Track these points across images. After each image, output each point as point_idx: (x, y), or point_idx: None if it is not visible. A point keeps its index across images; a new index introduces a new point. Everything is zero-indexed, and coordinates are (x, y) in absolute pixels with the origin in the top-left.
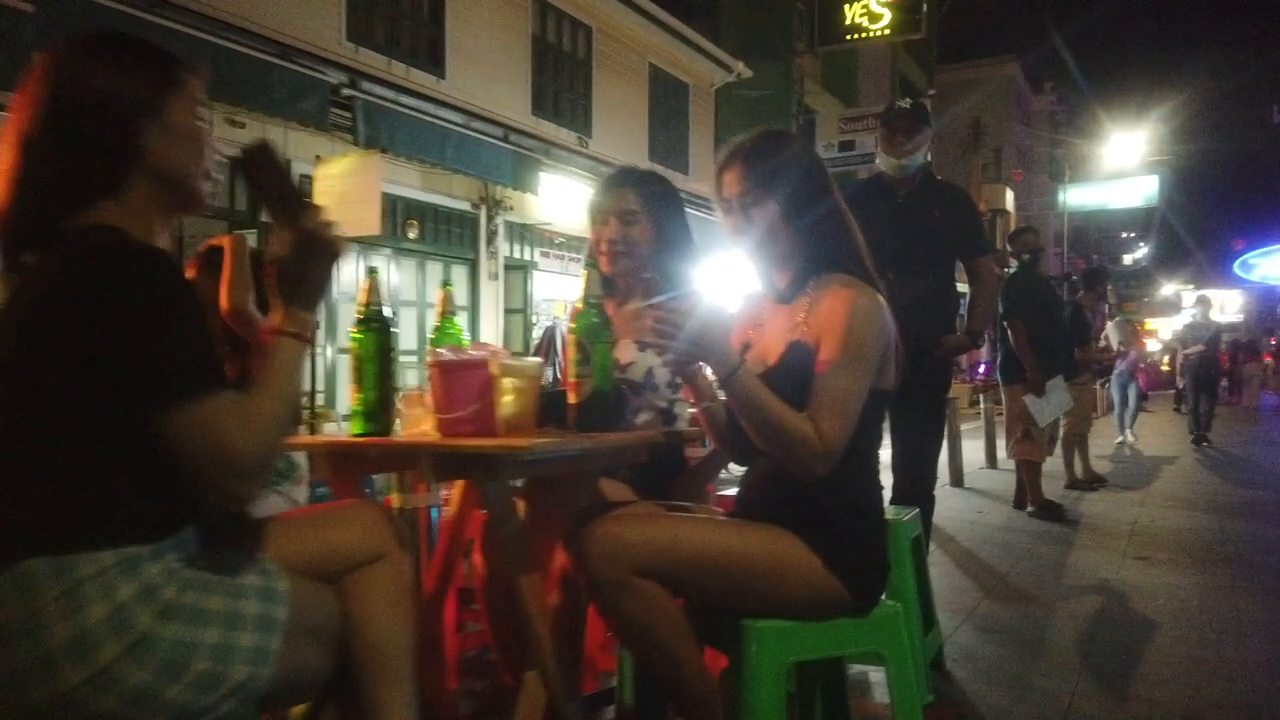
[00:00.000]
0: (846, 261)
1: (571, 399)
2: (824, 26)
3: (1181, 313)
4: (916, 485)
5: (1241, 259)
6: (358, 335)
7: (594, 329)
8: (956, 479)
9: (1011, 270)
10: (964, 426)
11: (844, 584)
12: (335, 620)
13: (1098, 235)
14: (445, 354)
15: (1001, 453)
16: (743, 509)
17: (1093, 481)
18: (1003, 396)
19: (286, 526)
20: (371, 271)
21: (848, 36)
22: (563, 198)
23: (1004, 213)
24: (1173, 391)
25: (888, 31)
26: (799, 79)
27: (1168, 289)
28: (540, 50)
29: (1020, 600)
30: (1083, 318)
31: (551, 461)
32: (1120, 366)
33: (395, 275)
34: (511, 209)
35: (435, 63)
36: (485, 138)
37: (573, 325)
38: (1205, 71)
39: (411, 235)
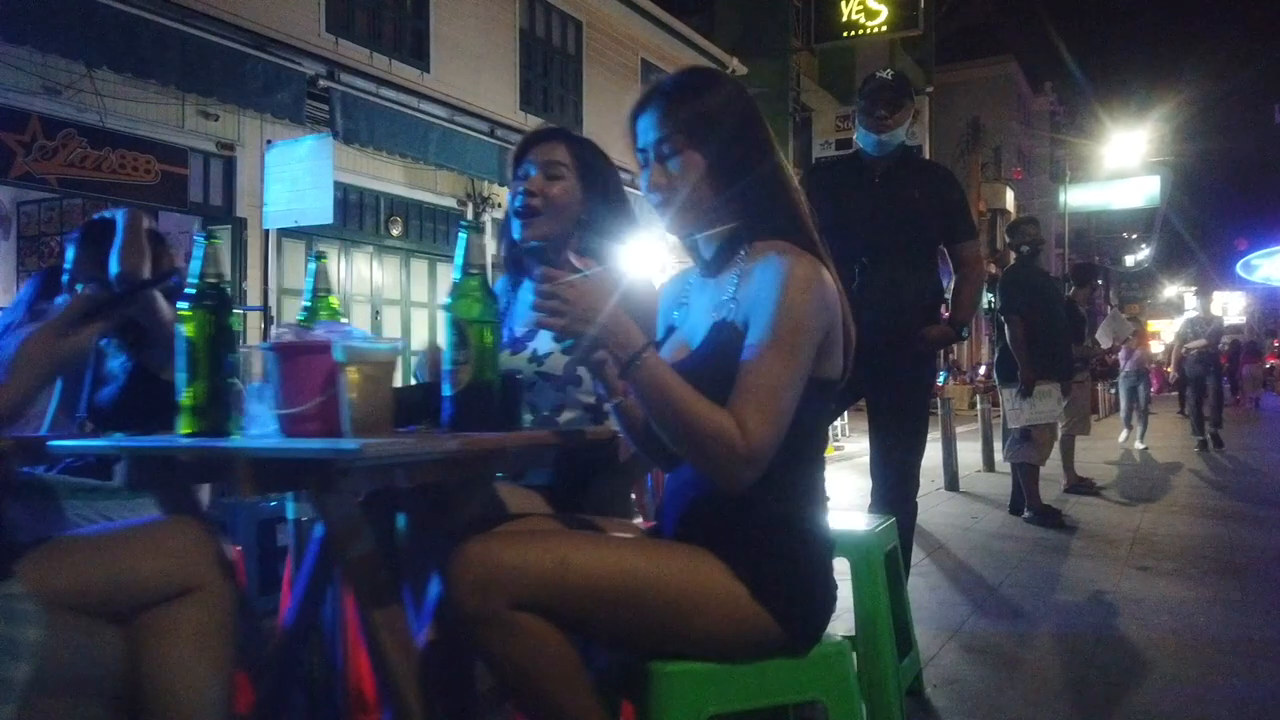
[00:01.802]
0: (786, 226)
1: (447, 391)
2: (820, 23)
3: (1184, 314)
4: (895, 491)
5: (1244, 259)
6: (186, 314)
7: (473, 306)
8: (952, 483)
9: (1010, 263)
10: (962, 429)
11: (775, 616)
12: (112, 671)
13: (1099, 236)
14: (286, 334)
15: (999, 455)
16: (661, 525)
17: (1080, 486)
18: (999, 397)
19: (70, 551)
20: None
21: (844, 33)
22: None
23: (1004, 212)
24: (1176, 394)
25: (884, 28)
26: (795, 76)
27: (1170, 290)
28: (528, 44)
29: (1011, 616)
30: (1077, 313)
31: (403, 467)
32: (1127, 367)
33: (379, 274)
34: (499, 206)
35: (419, 56)
36: (471, 133)
37: (448, 301)
38: (1207, 70)
39: (395, 233)
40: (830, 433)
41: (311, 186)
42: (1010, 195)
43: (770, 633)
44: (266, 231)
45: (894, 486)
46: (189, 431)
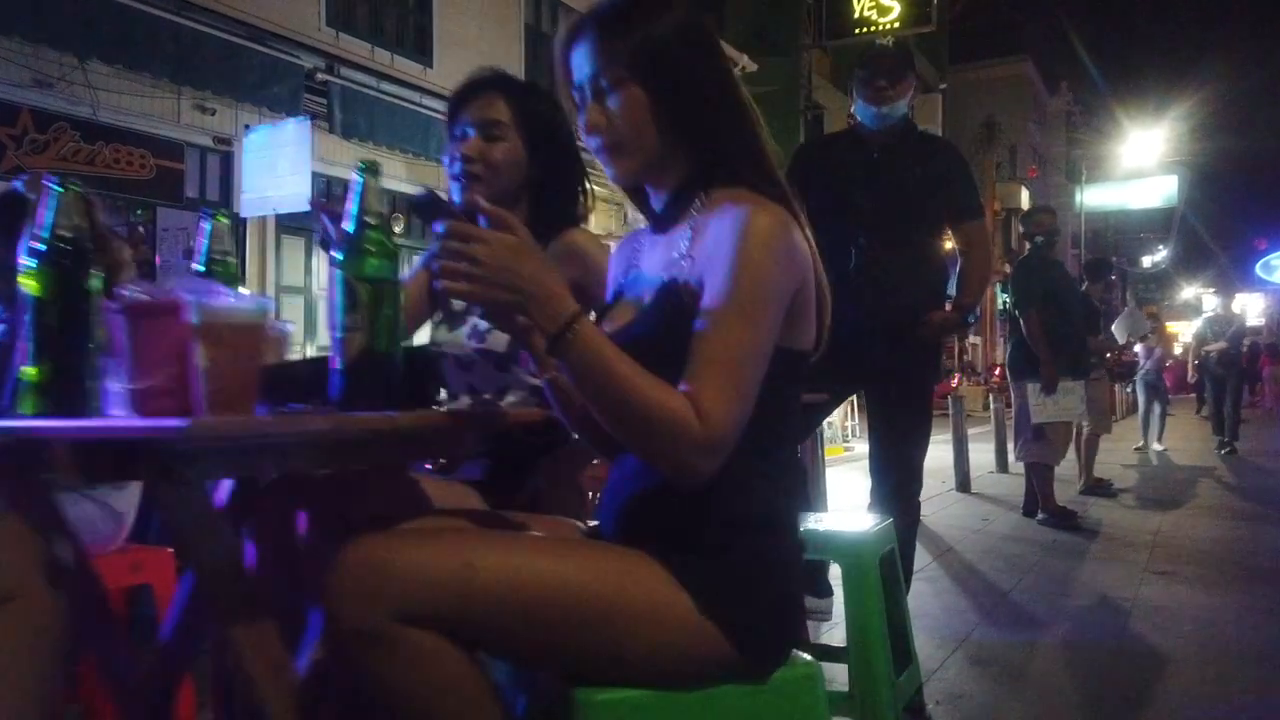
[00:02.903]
0: (749, 172)
1: (336, 364)
2: (832, 20)
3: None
4: (896, 491)
5: (1263, 260)
6: (31, 274)
7: (368, 262)
8: (963, 484)
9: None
10: (975, 430)
11: (726, 633)
12: None
13: (1116, 237)
14: (132, 293)
15: (1012, 455)
16: (600, 525)
17: (1097, 488)
18: (1012, 394)
19: None
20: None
21: (856, 30)
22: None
23: (1018, 212)
24: (1195, 395)
25: (897, 25)
26: (807, 74)
27: (1188, 292)
28: (533, 40)
29: (1022, 624)
30: (1093, 307)
31: (273, 453)
32: (1145, 365)
33: None
34: None
35: (422, 51)
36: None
37: (337, 256)
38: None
39: (397, 230)
40: (842, 433)
41: (290, 173)
42: (1025, 195)
43: (721, 653)
44: (264, 228)
45: (895, 486)
46: (29, 412)
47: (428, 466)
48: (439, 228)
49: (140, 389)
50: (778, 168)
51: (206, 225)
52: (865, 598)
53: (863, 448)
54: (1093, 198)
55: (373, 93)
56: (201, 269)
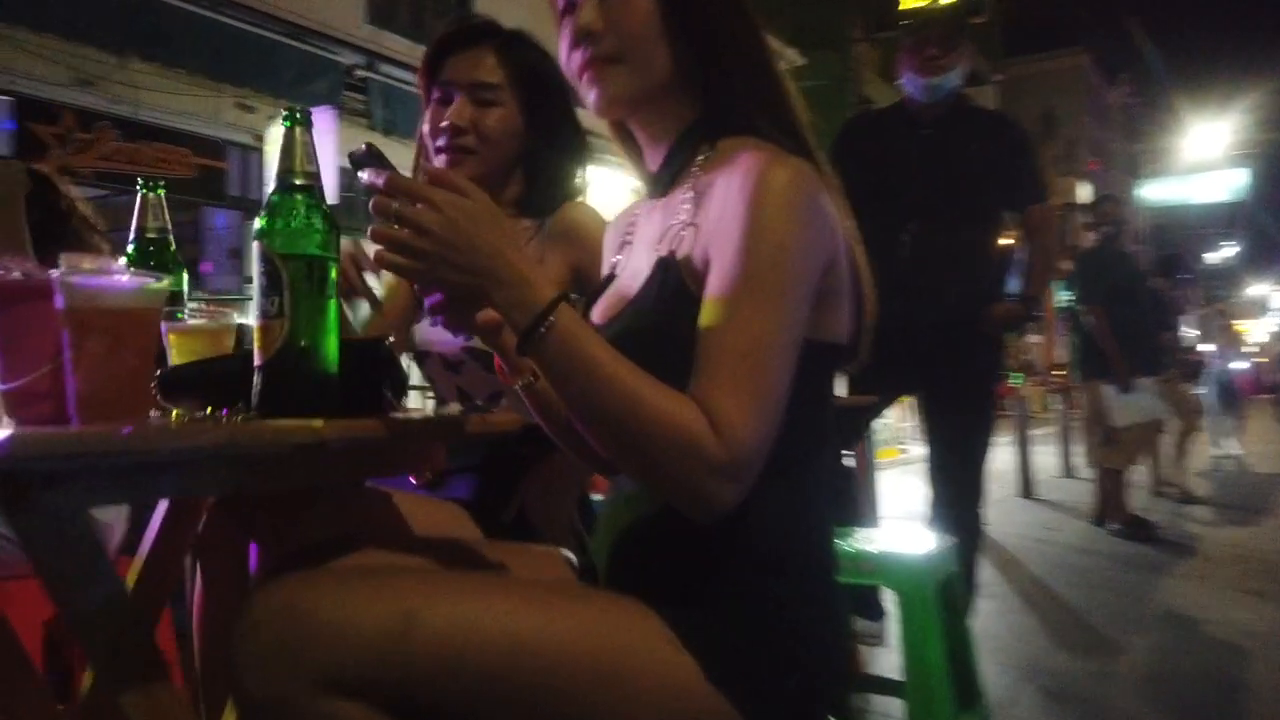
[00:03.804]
0: (764, 117)
1: (256, 358)
2: (882, 12)
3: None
4: (955, 504)
5: None
6: None
7: (295, 234)
8: (1026, 489)
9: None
10: (1037, 431)
11: (741, 709)
12: None
13: (1180, 232)
14: (10, 271)
15: (1078, 459)
16: (594, 558)
17: (1171, 493)
18: (1083, 395)
19: None
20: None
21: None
22: (608, 190)
23: (1077, 207)
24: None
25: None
26: (856, 68)
27: (1256, 289)
28: None
29: (1098, 651)
30: (1163, 302)
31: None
32: (1215, 365)
33: None
34: None
35: None
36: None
37: (258, 225)
38: None
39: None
40: (896, 434)
41: None
42: (1084, 189)
43: None
44: None
45: (954, 498)
46: None
47: (413, 482)
48: (368, 177)
49: (12, 391)
50: (804, 122)
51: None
52: (924, 630)
53: (920, 449)
54: (1155, 192)
55: (413, 89)
56: (131, 251)
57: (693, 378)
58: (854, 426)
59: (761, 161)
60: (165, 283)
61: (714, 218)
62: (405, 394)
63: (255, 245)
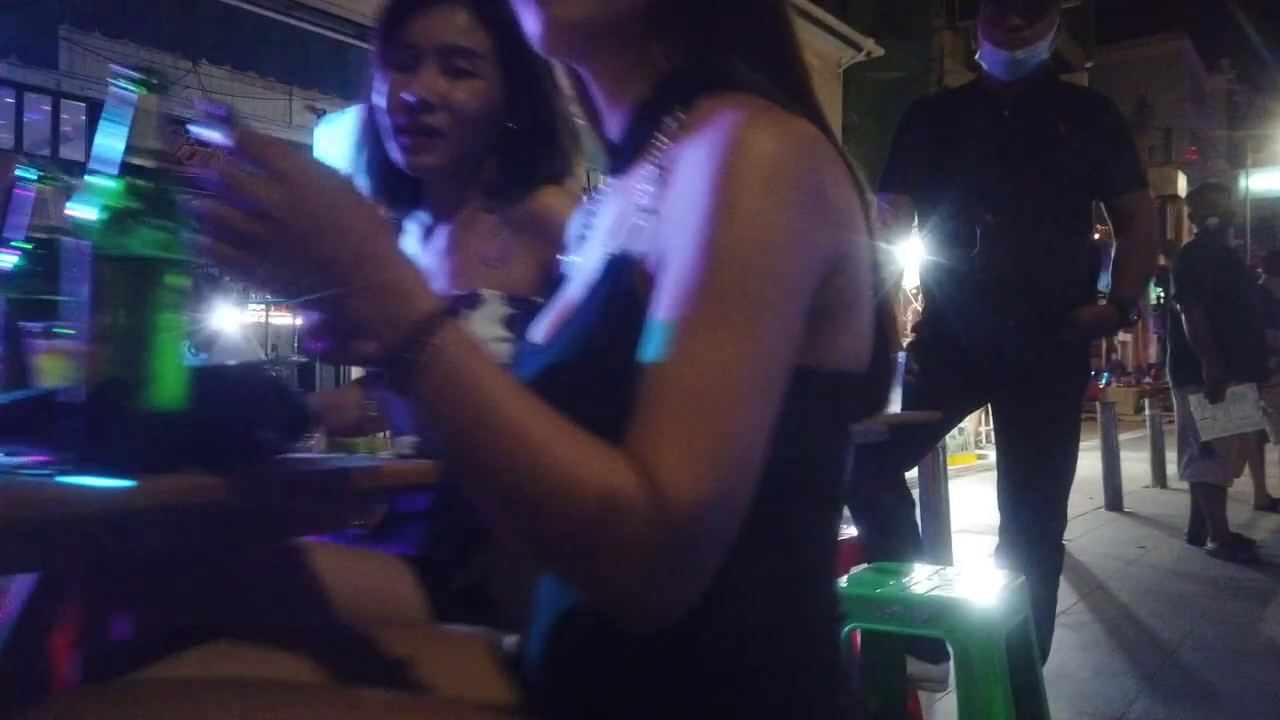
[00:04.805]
0: (757, 68)
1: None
2: None
3: None
4: (1029, 533)
5: None
6: None
7: (126, 229)
8: (1114, 502)
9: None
10: (1127, 436)
11: None
12: None
13: None
14: None
15: (1172, 468)
16: (529, 650)
17: (1276, 506)
18: (1174, 401)
19: None
20: None
21: None
22: None
23: (1175, 198)
24: None
25: None
26: (938, 57)
27: None
28: None
29: (1197, 695)
30: (1273, 301)
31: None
32: None
33: None
34: None
35: None
36: (583, 123)
37: (82, 215)
38: None
39: None
40: (974, 439)
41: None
42: (1182, 180)
43: None
44: None
45: (1029, 526)
46: None
47: (355, 528)
48: (215, 138)
49: None
50: (809, 76)
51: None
52: (985, 689)
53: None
54: (1260, 183)
55: None
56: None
57: (629, 426)
58: (913, 449)
59: (739, 121)
60: None
61: (676, 203)
62: (304, 432)
63: (78, 245)
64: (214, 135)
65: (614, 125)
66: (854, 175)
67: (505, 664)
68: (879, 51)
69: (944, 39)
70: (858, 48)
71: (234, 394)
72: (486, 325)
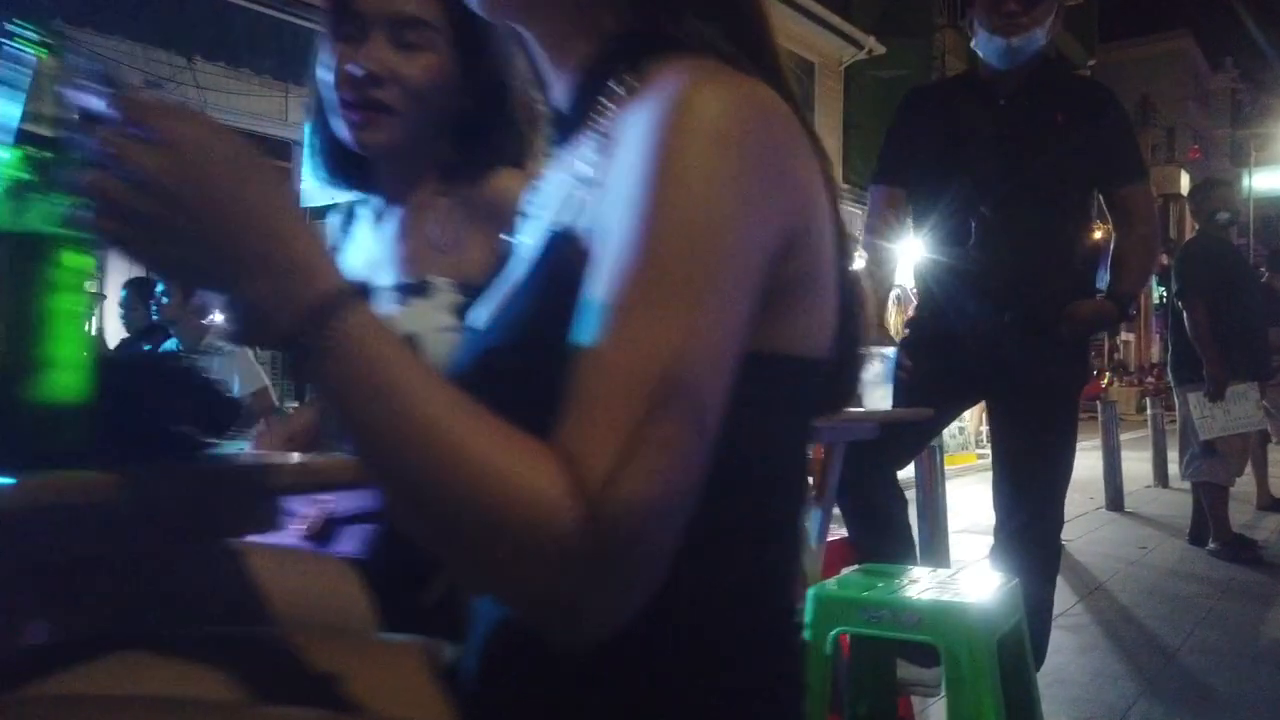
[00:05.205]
0: (715, 25)
1: None
2: None
3: None
4: (1025, 534)
5: None
6: None
7: (18, 200)
8: (1115, 502)
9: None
10: (1128, 436)
11: None
12: None
13: None
14: None
15: (1174, 468)
16: (464, 663)
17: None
18: (1175, 400)
19: None
20: None
21: None
22: None
23: (1177, 197)
24: None
25: None
26: (940, 55)
27: None
28: None
29: (1200, 700)
30: (1275, 298)
31: None
32: None
33: None
34: None
35: None
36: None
37: None
38: None
39: None
40: (974, 438)
41: None
42: (1185, 179)
43: None
44: None
45: (1025, 526)
46: None
47: (301, 531)
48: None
49: None
50: (773, 35)
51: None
52: (977, 696)
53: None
54: (1263, 182)
55: None
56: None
57: (560, 421)
58: (905, 447)
59: (683, 82)
60: None
61: (618, 176)
62: (230, 426)
63: None
64: (94, 100)
65: (561, 92)
66: (815, 144)
67: (443, 677)
68: (880, 50)
69: (946, 37)
70: (859, 46)
71: (144, 385)
72: (435, 314)
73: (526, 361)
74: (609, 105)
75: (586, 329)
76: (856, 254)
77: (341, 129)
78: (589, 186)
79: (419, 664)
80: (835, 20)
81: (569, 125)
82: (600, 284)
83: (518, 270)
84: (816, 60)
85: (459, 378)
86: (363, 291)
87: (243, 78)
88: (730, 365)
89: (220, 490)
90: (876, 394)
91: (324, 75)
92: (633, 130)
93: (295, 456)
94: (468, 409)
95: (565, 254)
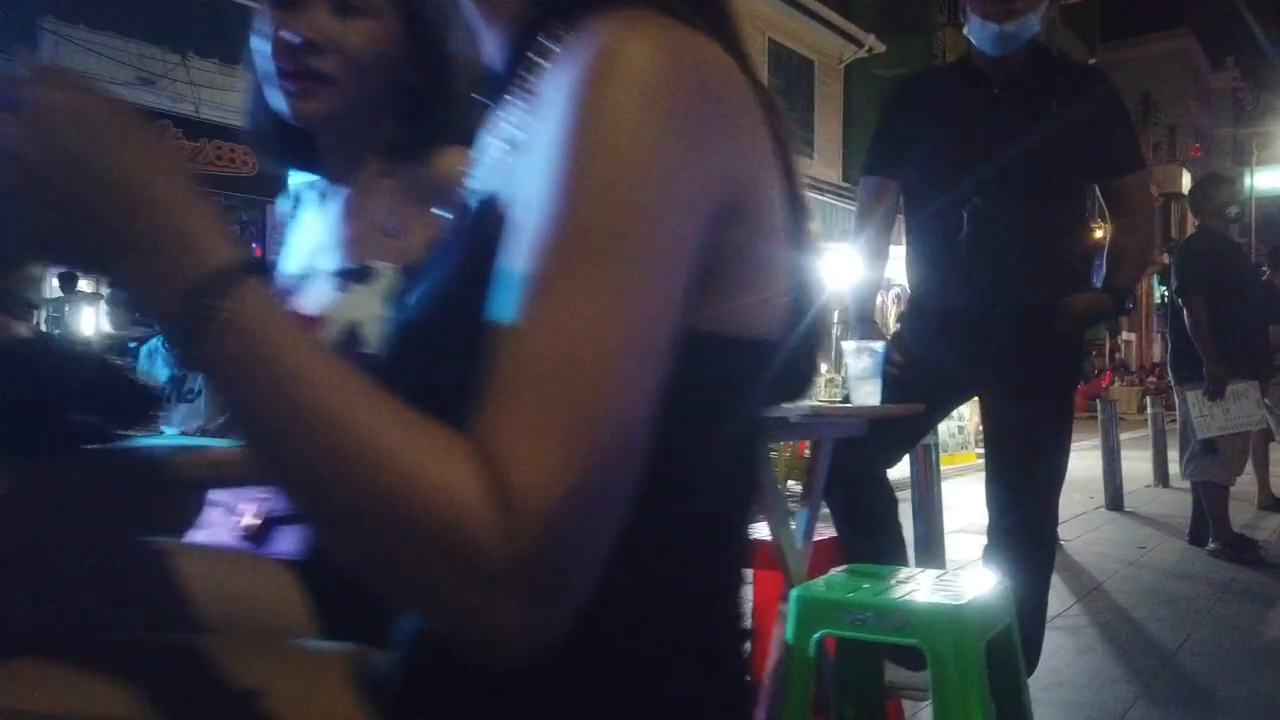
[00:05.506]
0: None
1: None
2: None
3: None
4: (1019, 533)
5: None
6: None
7: None
8: (1115, 501)
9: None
10: (1128, 435)
11: None
12: None
13: None
14: None
15: (1174, 467)
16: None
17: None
18: (1176, 399)
19: None
20: None
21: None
22: None
23: (1179, 196)
24: None
25: None
26: (940, 53)
27: None
28: None
29: (1198, 703)
30: (1277, 296)
31: None
32: None
33: None
34: None
35: None
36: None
37: None
38: None
39: None
40: (973, 437)
41: None
42: (1187, 178)
43: None
44: None
45: (1019, 525)
46: None
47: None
48: None
49: None
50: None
51: None
52: (964, 701)
53: None
54: (1265, 181)
55: None
56: None
57: (477, 409)
58: (895, 444)
59: (609, 32)
60: None
61: (536, 132)
62: (144, 416)
63: None
64: None
65: (493, 49)
66: (767, 102)
67: (367, 688)
68: (881, 48)
69: (946, 35)
70: (859, 44)
71: (34, 373)
72: (376, 301)
73: (446, 337)
74: (539, 62)
75: (505, 305)
76: (835, 242)
77: (278, 100)
78: (516, 149)
79: (342, 675)
80: (835, 18)
81: (501, 85)
82: (519, 254)
83: (444, 242)
84: (816, 58)
85: (378, 357)
86: (258, 269)
87: (236, 74)
88: (663, 346)
89: (123, 482)
90: (865, 389)
91: (258, 44)
92: (556, 87)
93: (212, 447)
94: (374, 399)
95: (489, 222)
